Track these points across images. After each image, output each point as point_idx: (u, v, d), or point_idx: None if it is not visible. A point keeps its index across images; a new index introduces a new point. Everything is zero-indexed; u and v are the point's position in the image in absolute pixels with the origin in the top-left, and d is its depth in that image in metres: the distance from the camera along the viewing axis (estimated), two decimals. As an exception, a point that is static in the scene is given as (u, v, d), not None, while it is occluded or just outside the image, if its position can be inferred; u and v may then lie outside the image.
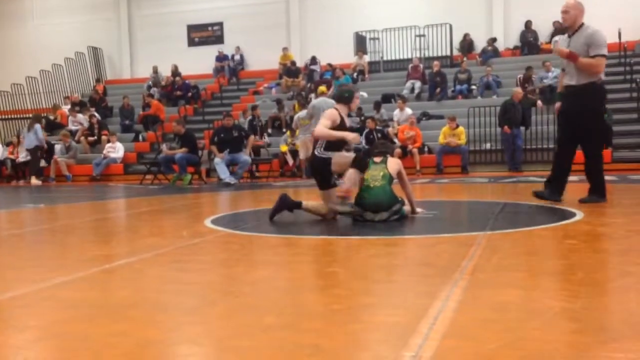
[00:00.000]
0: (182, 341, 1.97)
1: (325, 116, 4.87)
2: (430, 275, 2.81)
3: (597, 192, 5.62)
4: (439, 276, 2.74)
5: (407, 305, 2.27)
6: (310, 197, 5.35)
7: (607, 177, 5.89)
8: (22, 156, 15.61)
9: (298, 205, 4.96)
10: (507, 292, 2.41)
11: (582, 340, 1.81)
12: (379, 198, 4.66)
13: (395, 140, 12.89)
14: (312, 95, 14.41)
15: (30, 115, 16.37)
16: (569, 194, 5.77)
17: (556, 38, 5.98)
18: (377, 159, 4.92)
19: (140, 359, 1.78)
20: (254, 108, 14.39)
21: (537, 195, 5.83)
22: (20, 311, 2.40)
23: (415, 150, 12.57)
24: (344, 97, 5.00)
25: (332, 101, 12.25)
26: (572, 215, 4.77)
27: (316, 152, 4.92)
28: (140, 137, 16.51)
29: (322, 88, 12.55)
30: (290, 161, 13.54)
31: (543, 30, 17.22)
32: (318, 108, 11.47)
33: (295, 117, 13.11)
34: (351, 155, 4.80)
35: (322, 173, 4.95)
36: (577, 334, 1.87)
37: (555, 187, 5.70)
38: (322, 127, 4.81)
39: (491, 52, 17.22)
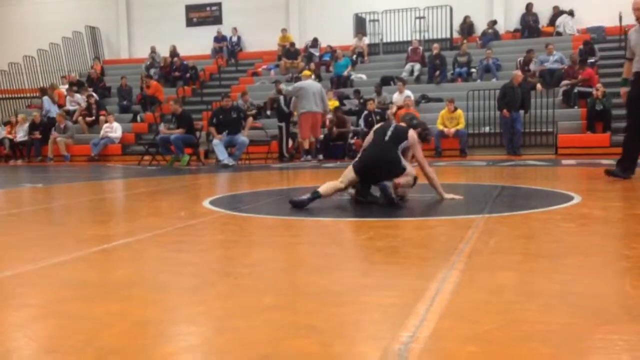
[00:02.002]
0: (180, 321, 1.98)
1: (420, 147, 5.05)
2: (427, 258, 2.83)
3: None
4: (436, 258, 2.75)
5: (404, 287, 2.28)
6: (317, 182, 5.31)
7: (605, 161, 5.94)
8: (20, 136, 15.58)
9: (318, 196, 4.66)
10: (504, 275, 2.42)
11: (577, 322, 1.83)
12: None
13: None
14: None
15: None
16: (568, 178, 5.77)
17: (631, 32, 6.31)
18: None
19: (138, 338, 1.79)
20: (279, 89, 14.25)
21: (610, 173, 6.07)
22: (19, 290, 2.41)
23: (413, 133, 12.53)
24: (421, 135, 5.22)
25: (319, 84, 12.35)
26: (570, 198, 4.78)
27: (403, 161, 4.89)
28: (139, 118, 16.45)
29: (307, 72, 12.78)
30: (290, 143, 13.51)
31: (544, 13, 17.09)
32: (307, 90, 11.48)
33: (294, 99, 13.07)
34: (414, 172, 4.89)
35: (386, 173, 4.76)
36: (572, 316, 1.88)
37: (627, 165, 6.02)
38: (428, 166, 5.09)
39: (491, 35, 17.12)
